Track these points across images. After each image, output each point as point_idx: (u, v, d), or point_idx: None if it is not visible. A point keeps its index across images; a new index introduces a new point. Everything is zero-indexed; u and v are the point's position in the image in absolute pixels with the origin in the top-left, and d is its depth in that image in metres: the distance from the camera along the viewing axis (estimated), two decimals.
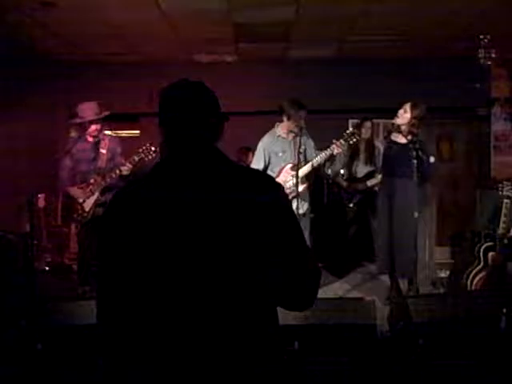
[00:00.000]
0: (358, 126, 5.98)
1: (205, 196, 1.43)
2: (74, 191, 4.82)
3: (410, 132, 4.68)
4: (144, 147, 4.66)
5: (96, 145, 4.88)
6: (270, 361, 1.48)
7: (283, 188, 1.56)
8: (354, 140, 4.77)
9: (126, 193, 1.54)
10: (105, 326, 1.48)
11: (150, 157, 4.63)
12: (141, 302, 1.42)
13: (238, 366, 1.41)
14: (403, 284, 4.86)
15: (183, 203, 1.43)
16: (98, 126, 4.82)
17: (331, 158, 4.88)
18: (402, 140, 4.75)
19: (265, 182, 1.53)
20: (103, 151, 4.86)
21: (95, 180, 4.77)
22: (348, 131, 4.76)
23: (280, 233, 1.44)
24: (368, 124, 5.87)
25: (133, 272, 1.41)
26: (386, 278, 5.42)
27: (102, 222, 1.54)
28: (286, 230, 1.46)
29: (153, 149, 4.62)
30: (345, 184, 5.88)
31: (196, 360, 1.40)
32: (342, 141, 4.68)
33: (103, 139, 4.90)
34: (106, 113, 4.81)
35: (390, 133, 4.94)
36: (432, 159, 4.76)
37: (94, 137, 4.86)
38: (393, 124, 4.82)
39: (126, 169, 4.67)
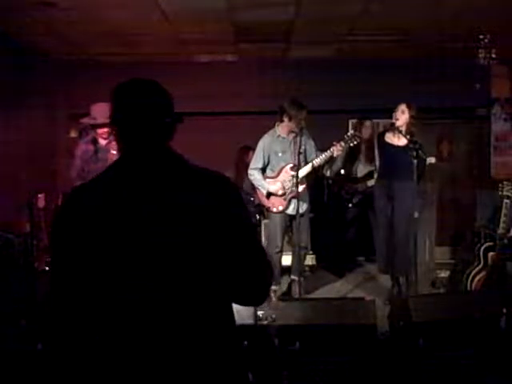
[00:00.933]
0: (358, 126, 5.98)
1: (155, 195, 1.45)
2: None
3: (409, 132, 4.71)
4: None
5: (106, 145, 4.91)
6: (223, 355, 1.49)
7: (235, 186, 1.60)
8: (355, 142, 4.78)
9: (80, 190, 1.56)
10: (56, 318, 1.52)
11: None
12: (92, 298, 1.44)
13: (189, 360, 1.43)
14: (403, 284, 4.87)
15: (133, 203, 1.44)
16: (110, 128, 4.85)
17: (331, 160, 4.88)
18: (398, 142, 4.77)
19: (216, 181, 1.54)
20: (114, 152, 4.89)
21: None
22: (349, 133, 4.77)
23: (230, 231, 1.47)
24: (368, 123, 5.87)
25: (82, 273, 1.44)
26: (386, 278, 5.43)
27: (55, 216, 1.57)
28: (236, 227, 1.49)
29: None
30: (345, 183, 5.88)
31: (148, 357, 1.41)
32: (342, 143, 4.68)
33: (114, 140, 4.91)
34: None
35: (383, 134, 4.95)
36: (433, 160, 4.77)
37: (104, 138, 4.89)
38: (392, 124, 4.84)
39: None
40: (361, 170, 5.87)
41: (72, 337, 1.50)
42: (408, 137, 4.65)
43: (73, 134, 6.57)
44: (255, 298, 1.60)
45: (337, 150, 4.66)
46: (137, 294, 1.42)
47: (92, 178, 1.56)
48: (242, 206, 1.56)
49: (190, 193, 1.47)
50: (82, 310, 1.46)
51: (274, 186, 4.88)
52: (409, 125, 4.72)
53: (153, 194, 1.46)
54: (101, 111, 4.80)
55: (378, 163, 5.59)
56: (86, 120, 4.91)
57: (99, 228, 1.42)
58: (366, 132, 5.86)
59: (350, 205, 5.90)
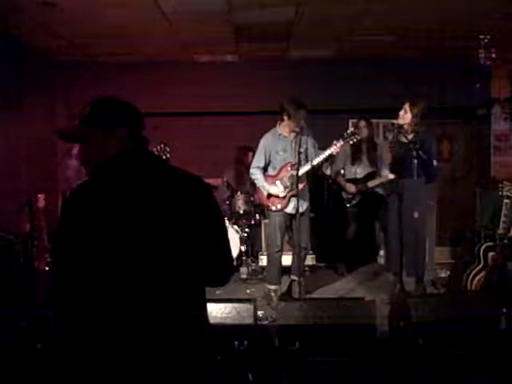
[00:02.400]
0: (355, 126, 5.98)
1: (145, 189, 1.70)
2: None
3: (412, 131, 4.71)
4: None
5: None
6: (198, 337, 1.75)
7: (209, 186, 1.87)
8: (354, 140, 4.79)
9: (87, 183, 1.76)
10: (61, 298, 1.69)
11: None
12: (89, 282, 1.63)
13: (167, 338, 1.66)
14: (411, 283, 4.87)
15: (128, 195, 1.67)
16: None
17: (330, 159, 4.89)
18: (405, 140, 4.76)
19: (193, 180, 1.81)
20: None
21: None
22: (348, 131, 4.78)
23: (203, 222, 1.74)
24: (362, 123, 5.87)
25: (82, 254, 1.63)
26: (387, 278, 5.43)
27: (63, 206, 1.75)
28: (207, 220, 1.77)
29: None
30: (345, 184, 5.88)
31: (133, 330, 1.63)
32: (341, 141, 4.69)
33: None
34: None
35: (398, 133, 4.93)
36: (435, 163, 4.78)
37: None
38: (393, 124, 4.83)
39: None
40: (362, 170, 5.86)
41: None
42: (411, 136, 4.66)
43: None
44: (219, 280, 1.90)
45: (336, 148, 4.67)
46: (124, 273, 1.63)
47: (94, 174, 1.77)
48: (214, 204, 1.83)
49: (174, 189, 1.74)
50: (80, 293, 1.64)
51: (274, 187, 4.88)
52: (412, 124, 4.72)
53: (144, 188, 1.69)
54: None
55: (379, 164, 5.60)
56: None
57: (100, 217, 1.63)
58: (361, 132, 5.86)
59: (348, 205, 5.90)
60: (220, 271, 1.87)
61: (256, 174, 4.96)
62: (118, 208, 1.65)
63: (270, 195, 4.93)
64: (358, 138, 4.84)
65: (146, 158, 1.80)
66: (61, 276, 1.68)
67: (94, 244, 1.63)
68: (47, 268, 5.32)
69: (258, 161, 4.96)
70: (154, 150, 4.64)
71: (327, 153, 4.71)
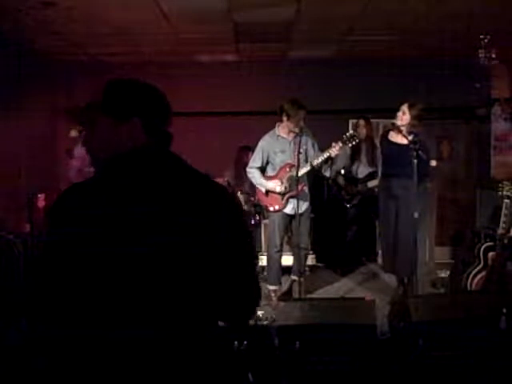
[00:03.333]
0: (355, 126, 5.98)
1: (153, 196, 1.37)
2: None
3: (410, 132, 4.71)
4: None
5: None
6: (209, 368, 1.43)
7: (236, 199, 1.55)
8: (353, 143, 4.79)
9: (81, 185, 1.45)
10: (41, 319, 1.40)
11: None
12: (78, 301, 1.34)
13: (174, 371, 1.36)
14: (407, 284, 4.87)
15: (128, 202, 1.35)
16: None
17: (330, 160, 4.89)
18: (402, 141, 4.76)
19: (217, 191, 1.46)
20: None
21: None
22: (348, 133, 4.77)
23: (225, 245, 1.38)
24: (362, 123, 5.88)
25: (69, 272, 1.34)
26: (386, 278, 5.43)
27: (51, 210, 1.43)
28: (232, 243, 1.40)
29: None
30: (345, 184, 5.89)
31: (131, 361, 1.34)
32: (340, 143, 4.69)
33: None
34: None
35: (387, 133, 4.96)
36: (433, 163, 4.77)
37: None
38: (393, 124, 4.83)
39: None
40: (361, 170, 5.87)
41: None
42: (409, 137, 4.66)
43: (73, 134, 6.56)
44: (240, 318, 1.53)
45: (335, 150, 4.67)
46: (123, 300, 1.33)
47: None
48: (243, 224, 1.48)
49: (189, 199, 1.38)
50: (65, 312, 1.35)
51: (271, 183, 4.90)
52: (410, 125, 4.72)
53: (151, 196, 1.36)
54: None
55: (379, 164, 5.60)
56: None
57: (88, 226, 1.33)
58: (360, 132, 5.86)
59: (348, 205, 5.90)
60: (241, 309, 1.47)
61: (252, 173, 4.98)
62: (115, 219, 1.33)
63: (267, 193, 4.93)
64: (357, 140, 4.85)
65: (161, 158, 1.44)
66: (40, 294, 1.37)
67: (82, 265, 1.32)
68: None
69: (253, 161, 4.99)
70: None
71: (326, 155, 4.71)
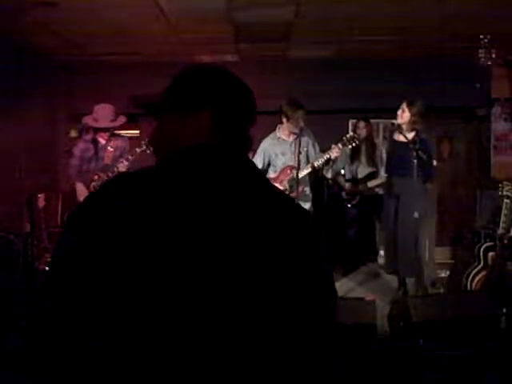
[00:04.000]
0: (355, 127, 5.98)
1: (231, 209, 1.05)
2: (80, 187, 4.89)
3: (412, 130, 4.71)
4: (143, 142, 4.66)
5: (105, 144, 4.95)
6: None
7: (315, 225, 1.22)
8: (353, 144, 4.79)
9: (122, 185, 1.07)
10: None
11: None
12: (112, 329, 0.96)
13: None
14: (410, 284, 4.86)
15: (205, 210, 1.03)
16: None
17: (330, 162, 4.89)
18: (404, 139, 4.76)
19: (300, 214, 1.18)
20: (111, 149, 4.92)
21: (99, 176, 4.82)
22: (348, 135, 4.78)
23: (300, 281, 1.07)
24: (361, 124, 5.88)
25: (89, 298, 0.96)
26: (386, 278, 5.43)
27: (77, 211, 1.06)
28: (309, 279, 1.08)
29: None
30: (345, 184, 5.89)
31: None
32: (340, 145, 4.69)
33: (112, 139, 4.98)
34: (122, 120, 4.87)
35: (392, 132, 4.95)
36: (434, 162, 4.77)
37: (104, 138, 4.95)
38: (393, 124, 4.83)
39: (122, 166, 4.70)
40: (362, 170, 5.87)
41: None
42: (411, 135, 4.66)
43: (73, 134, 6.57)
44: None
45: (334, 152, 4.67)
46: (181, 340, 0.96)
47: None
48: (319, 253, 1.16)
49: (260, 219, 1.06)
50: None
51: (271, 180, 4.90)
52: (410, 123, 4.72)
53: (208, 209, 1.03)
54: (104, 114, 4.83)
55: (379, 164, 5.61)
56: (87, 121, 4.94)
57: (131, 242, 0.98)
58: (360, 132, 5.87)
59: (349, 205, 5.91)
60: (309, 357, 1.07)
61: None
62: (161, 232, 0.98)
63: None
64: (357, 142, 4.85)
65: (227, 161, 1.14)
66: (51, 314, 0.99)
67: (108, 287, 0.96)
68: (47, 268, 5.33)
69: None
70: (143, 143, 4.63)
71: (326, 156, 4.71)
